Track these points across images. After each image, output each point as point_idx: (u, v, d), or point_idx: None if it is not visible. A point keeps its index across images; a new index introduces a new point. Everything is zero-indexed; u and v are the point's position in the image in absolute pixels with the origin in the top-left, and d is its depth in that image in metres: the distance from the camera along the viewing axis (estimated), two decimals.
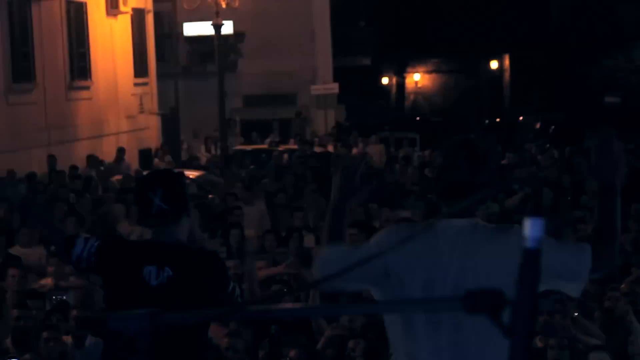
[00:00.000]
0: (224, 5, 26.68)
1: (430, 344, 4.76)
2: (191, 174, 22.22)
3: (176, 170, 23.03)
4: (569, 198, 18.10)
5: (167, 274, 5.66)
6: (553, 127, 38.96)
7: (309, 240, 14.14)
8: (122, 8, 27.41)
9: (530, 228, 2.37)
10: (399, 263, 4.83)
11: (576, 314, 10.08)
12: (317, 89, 34.72)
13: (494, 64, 56.98)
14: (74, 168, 21.24)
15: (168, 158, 26.09)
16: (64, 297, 11.21)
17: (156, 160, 26.11)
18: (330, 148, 28.49)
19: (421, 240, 4.76)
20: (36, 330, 9.76)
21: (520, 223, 2.38)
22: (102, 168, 22.64)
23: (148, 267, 5.66)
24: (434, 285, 4.74)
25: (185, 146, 30.71)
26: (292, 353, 9.15)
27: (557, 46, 47.80)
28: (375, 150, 27.16)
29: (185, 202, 5.93)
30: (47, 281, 11.82)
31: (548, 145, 28.16)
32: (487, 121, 44.22)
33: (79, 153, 23.88)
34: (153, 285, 5.66)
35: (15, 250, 13.85)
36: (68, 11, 24.97)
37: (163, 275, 5.66)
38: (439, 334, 4.73)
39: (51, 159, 22.03)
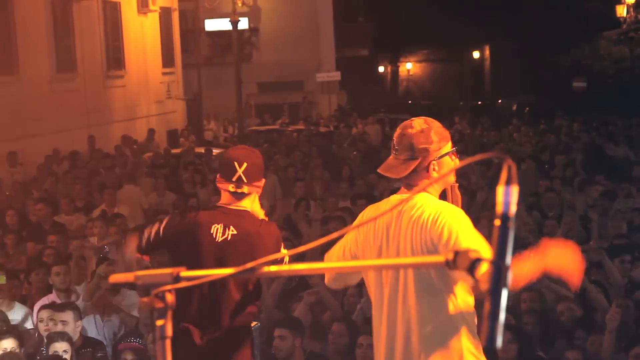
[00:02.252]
0: (240, 4, 26.57)
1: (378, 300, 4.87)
2: (216, 148, 22.37)
3: (199, 148, 23.20)
4: (546, 167, 18.08)
5: (232, 232, 5.80)
6: (527, 108, 38.84)
7: (315, 207, 14.13)
8: (151, 7, 27.37)
9: (504, 195, 2.37)
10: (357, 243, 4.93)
11: None
12: (321, 76, 34.64)
13: (475, 54, 56.87)
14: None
15: (192, 138, 26.06)
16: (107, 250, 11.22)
17: (182, 139, 26.06)
18: (333, 128, 28.49)
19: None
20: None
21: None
22: (135, 147, 22.62)
23: (216, 225, 5.80)
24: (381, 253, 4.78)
25: (212, 125, 30.78)
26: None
27: (531, 38, 47.67)
28: (373, 130, 27.09)
29: (259, 180, 5.97)
30: (94, 240, 11.77)
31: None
32: (469, 104, 44.09)
33: (115, 134, 23.87)
34: (218, 241, 5.80)
35: (60, 218, 13.86)
36: (104, 10, 24.95)
37: (228, 232, 5.79)
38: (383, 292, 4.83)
39: (90, 139, 22.03)
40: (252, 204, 5.94)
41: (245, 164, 5.86)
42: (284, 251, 5.80)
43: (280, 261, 5.59)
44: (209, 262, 5.69)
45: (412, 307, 4.71)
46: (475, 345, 4.71)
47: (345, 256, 4.87)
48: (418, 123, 4.86)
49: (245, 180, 5.81)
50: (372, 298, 4.96)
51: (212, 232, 5.81)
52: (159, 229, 5.99)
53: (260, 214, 6.02)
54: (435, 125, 4.88)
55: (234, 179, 5.85)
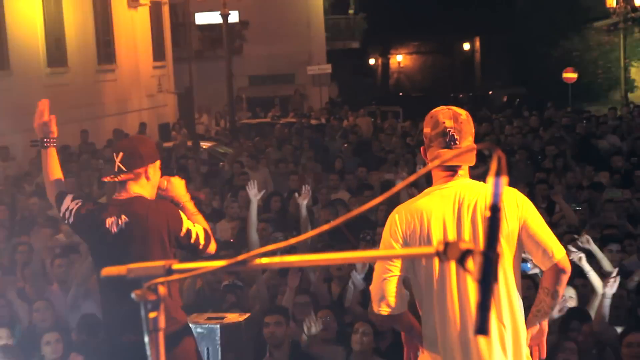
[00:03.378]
0: None
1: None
2: (205, 144, 22.36)
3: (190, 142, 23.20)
4: (539, 157, 18.08)
5: (125, 220, 5.79)
6: (518, 100, 38.91)
7: (307, 201, 14.14)
8: (141, 1, 27.37)
9: (494, 186, 2.38)
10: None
11: None
12: (312, 69, 34.67)
13: (466, 46, 56.94)
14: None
15: (184, 131, 26.04)
16: None
17: (173, 133, 26.08)
18: (324, 120, 28.50)
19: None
20: None
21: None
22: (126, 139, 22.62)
23: (109, 218, 5.81)
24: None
25: (204, 119, 30.77)
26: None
27: (521, 29, 47.67)
28: (364, 122, 27.12)
29: (142, 164, 5.91)
30: None
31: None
32: (460, 95, 44.05)
33: (107, 128, 23.86)
34: (114, 233, 5.80)
35: (53, 212, 13.78)
36: (95, 4, 24.89)
37: (120, 222, 5.79)
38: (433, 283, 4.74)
39: (83, 134, 21.98)
40: (143, 188, 5.90)
41: (121, 154, 5.88)
42: (187, 223, 5.78)
43: (186, 239, 5.69)
44: (113, 254, 5.71)
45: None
46: None
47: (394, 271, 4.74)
48: (463, 112, 4.87)
49: (124, 169, 5.81)
50: (425, 289, 4.78)
51: (107, 226, 5.84)
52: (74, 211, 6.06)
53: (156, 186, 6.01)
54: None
55: (115, 169, 5.88)
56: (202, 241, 5.76)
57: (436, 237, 4.58)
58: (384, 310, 4.75)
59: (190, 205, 6.03)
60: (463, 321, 4.60)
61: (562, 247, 4.76)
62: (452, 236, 4.53)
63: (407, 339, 5.00)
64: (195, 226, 5.83)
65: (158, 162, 6.04)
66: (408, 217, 4.71)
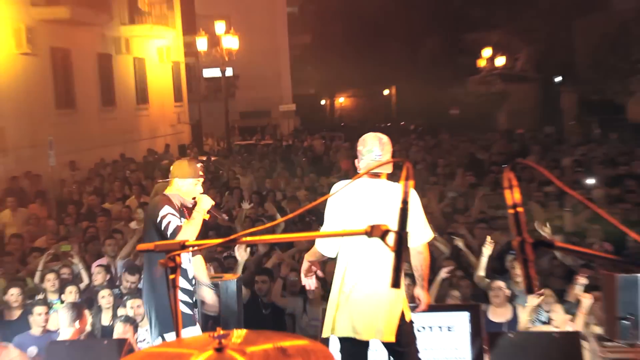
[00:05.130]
0: (226, 58, 26.50)
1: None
2: (212, 157, 22.50)
3: (201, 157, 23.15)
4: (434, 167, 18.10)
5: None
6: (420, 128, 39.10)
7: (279, 196, 14.08)
8: (166, 61, 27.24)
9: (404, 187, 2.38)
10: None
11: None
12: (282, 107, 34.69)
13: (386, 92, 57.19)
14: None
15: (195, 150, 25.86)
16: None
17: (188, 151, 25.82)
18: (291, 142, 28.52)
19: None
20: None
21: None
22: (156, 156, 22.44)
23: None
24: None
25: (209, 141, 30.64)
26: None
27: (423, 79, 47.88)
28: (317, 143, 27.05)
29: (177, 177, 5.64)
30: (133, 224, 11.52)
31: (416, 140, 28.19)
32: (382, 125, 44.14)
33: (142, 148, 23.75)
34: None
35: (106, 205, 13.71)
36: (135, 63, 24.74)
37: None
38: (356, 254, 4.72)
39: (122, 154, 21.77)
40: (171, 189, 5.59)
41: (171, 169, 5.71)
42: (168, 215, 5.37)
43: (159, 225, 5.33)
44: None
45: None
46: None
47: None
48: (384, 136, 4.82)
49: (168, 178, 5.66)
50: (352, 254, 4.74)
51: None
52: None
53: (186, 195, 5.62)
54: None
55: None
56: (169, 231, 5.30)
57: (359, 216, 4.56)
58: (324, 252, 4.80)
59: (197, 215, 5.48)
60: (368, 276, 4.60)
61: (428, 234, 4.75)
62: (372, 218, 4.37)
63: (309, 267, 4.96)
64: (174, 218, 5.41)
65: (192, 179, 5.59)
66: (342, 199, 4.68)
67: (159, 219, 5.33)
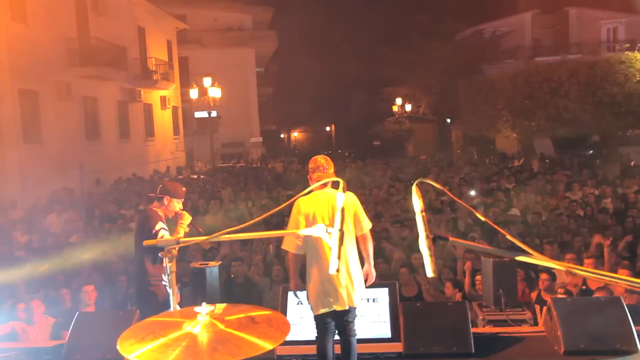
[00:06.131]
0: (212, 104, 26.29)
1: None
2: (201, 175, 22.14)
3: (193, 175, 22.83)
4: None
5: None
6: (353, 154, 39.24)
7: (250, 204, 13.92)
8: (167, 106, 26.94)
9: (339, 197, 2.34)
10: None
11: None
12: (253, 139, 34.56)
13: (327, 128, 57.39)
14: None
15: (189, 170, 25.53)
16: None
17: (183, 171, 25.51)
18: (259, 164, 28.35)
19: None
20: None
21: None
22: (159, 175, 22.09)
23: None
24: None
25: (199, 164, 30.26)
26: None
27: (352, 120, 48.25)
28: (279, 166, 27.03)
29: (164, 197, 5.29)
30: None
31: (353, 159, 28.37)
32: (325, 152, 44.31)
33: (150, 169, 23.36)
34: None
35: (123, 211, 13.36)
36: (144, 108, 24.38)
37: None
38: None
39: (134, 174, 21.33)
40: (160, 204, 5.30)
41: (160, 185, 5.44)
42: (160, 227, 5.04)
43: (155, 234, 4.99)
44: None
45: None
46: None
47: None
48: (328, 158, 4.73)
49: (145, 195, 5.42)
50: (312, 249, 4.52)
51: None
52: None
53: (170, 211, 5.32)
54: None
55: (157, 192, 5.38)
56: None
57: (315, 218, 4.42)
58: (293, 250, 4.58)
59: (181, 229, 5.17)
60: (327, 265, 4.44)
61: (368, 224, 4.62)
62: (324, 219, 4.37)
63: (292, 275, 4.74)
64: (165, 232, 5.07)
65: (179, 199, 5.29)
66: (302, 207, 4.52)
67: (154, 231, 5.05)
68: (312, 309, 4.54)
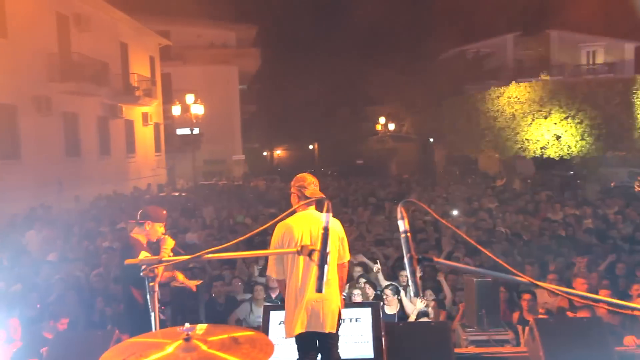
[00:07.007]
0: (194, 121, 26.24)
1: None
2: (183, 193, 21.97)
3: (174, 192, 22.70)
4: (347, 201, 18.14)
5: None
6: (336, 172, 39.32)
7: (235, 217, 13.84)
8: (149, 122, 26.79)
9: (325, 217, 2.35)
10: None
11: None
12: (235, 157, 34.49)
13: (310, 146, 57.49)
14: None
15: (170, 188, 25.38)
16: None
17: (165, 188, 25.37)
18: (242, 182, 28.28)
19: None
20: None
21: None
22: (140, 192, 21.91)
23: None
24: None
25: (181, 182, 30.08)
26: None
27: (337, 139, 48.44)
28: (261, 183, 27.00)
29: (146, 221, 5.20)
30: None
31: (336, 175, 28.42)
32: (309, 170, 44.38)
33: (130, 186, 23.17)
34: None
35: (104, 228, 13.23)
36: (125, 125, 24.24)
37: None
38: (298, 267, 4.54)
39: (115, 191, 21.17)
40: (141, 232, 5.20)
41: (141, 210, 5.29)
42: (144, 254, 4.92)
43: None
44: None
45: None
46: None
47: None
48: (313, 177, 4.67)
49: (139, 218, 5.18)
50: (291, 270, 4.44)
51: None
52: None
53: (153, 236, 5.20)
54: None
55: (137, 217, 5.25)
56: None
57: (297, 241, 4.37)
58: (274, 275, 4.51)
59: (164, 254, 5.07)
60: (307, 286, 4.40)
61: (348, 255, 4.58)
62: (306, 241, 4.32)
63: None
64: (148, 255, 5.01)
65: (157, 224, 5.19)
66: (284, 229, 4.46)
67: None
68: (285, 330, 4.44)
